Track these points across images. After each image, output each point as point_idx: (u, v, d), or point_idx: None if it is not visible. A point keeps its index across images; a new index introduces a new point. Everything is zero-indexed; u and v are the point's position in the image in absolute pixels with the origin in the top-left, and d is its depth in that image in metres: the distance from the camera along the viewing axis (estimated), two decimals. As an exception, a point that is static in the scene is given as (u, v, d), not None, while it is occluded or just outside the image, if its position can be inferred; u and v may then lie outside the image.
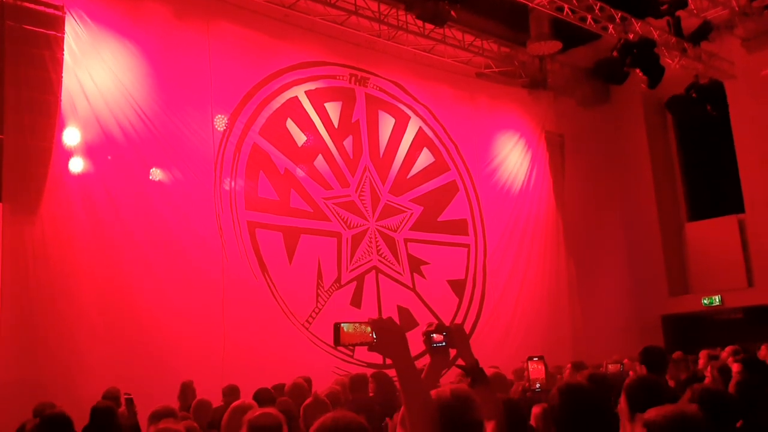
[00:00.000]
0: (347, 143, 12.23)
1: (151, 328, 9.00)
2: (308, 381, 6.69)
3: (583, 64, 14.49)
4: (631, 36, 12.02)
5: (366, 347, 2.30)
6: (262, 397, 5.74)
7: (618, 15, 12.09)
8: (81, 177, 8.99)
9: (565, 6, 11.66)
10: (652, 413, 1.80)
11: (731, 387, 3.96)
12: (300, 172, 11.44)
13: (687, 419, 1.70)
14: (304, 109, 11.76)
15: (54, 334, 8.09)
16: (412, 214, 12.83)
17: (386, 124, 12.94)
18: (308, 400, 4.76)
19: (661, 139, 16.48)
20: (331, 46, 12.26)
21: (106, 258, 8.91)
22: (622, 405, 3.31)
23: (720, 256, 15.08)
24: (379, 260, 12.14)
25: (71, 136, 8.96)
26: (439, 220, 13.28)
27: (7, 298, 8.00)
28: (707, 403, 2.76)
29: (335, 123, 12.14)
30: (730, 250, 14.91)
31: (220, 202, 10.32)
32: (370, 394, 5.93)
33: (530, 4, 11.63)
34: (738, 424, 2.92)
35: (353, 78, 12.58)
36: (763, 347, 8.66)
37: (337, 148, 12.04)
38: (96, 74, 9.34)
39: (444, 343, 2.60)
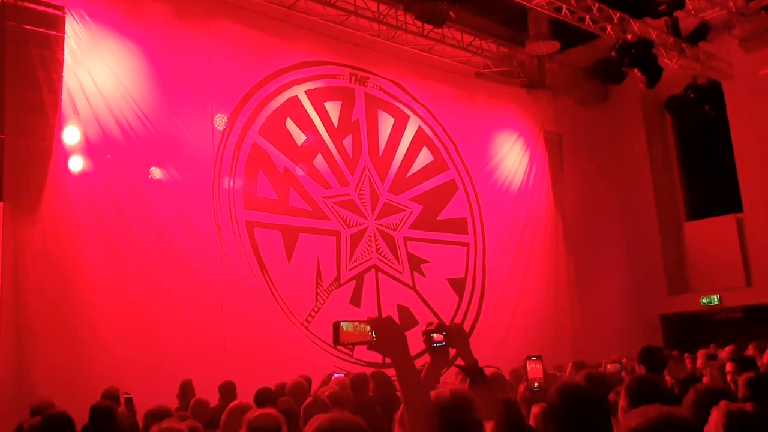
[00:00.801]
0: (347, 142, 12.25)
1: (151, 327, 9.02)
2: (308, 381, 6.71)
3: (581, 63, 14.52)
4: (629, 36, 12.04)
5: (365, 346, 2.31)
6: (263, 396, 5.74)
7: (616, 15, 12.11)
8: (81, 176, 9.00)
9: (564, 6, 11.67)
10: (636, 418, 1.75)
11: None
12: (299, 171, 11.45)
13: (677, 425, 1.69)
14: (304, 109, 11.77)
15: (54, 333, 8.10)
16: (411, 212, 12.85)
17: (386, 123, 12.96)
18: (308, 400, 4.77)
19: (659, 139, 16.50)
20: (331, 46, 12.27)
21: (106, 257, 8.93)
22: (623, 404, 3.34)
23: (718, 255, 15.11)
24: (378, 259, 12.16)
25: (71, 136, 8.97)
26: (438, 218, 13.30)
27: (8, 297, 8.00)
28: None
29: (335, 122, 12.16)
30: (728, 250, 14.94)
31: (219, 202, 10.34)
32: (370, 394, 5.94)
33: (529, 5, 11.64)
34: None
35: (353, 77, 12.59)
36: (750, 346, 8.68)
37: (336, 148, 12.05)
38: (96, 74, 9.35)
39: (444, 343, 2.61)
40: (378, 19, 12.09)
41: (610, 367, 6.26)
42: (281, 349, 10.10)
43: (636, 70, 12.20)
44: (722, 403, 2.88)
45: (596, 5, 11.87)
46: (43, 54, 8.71)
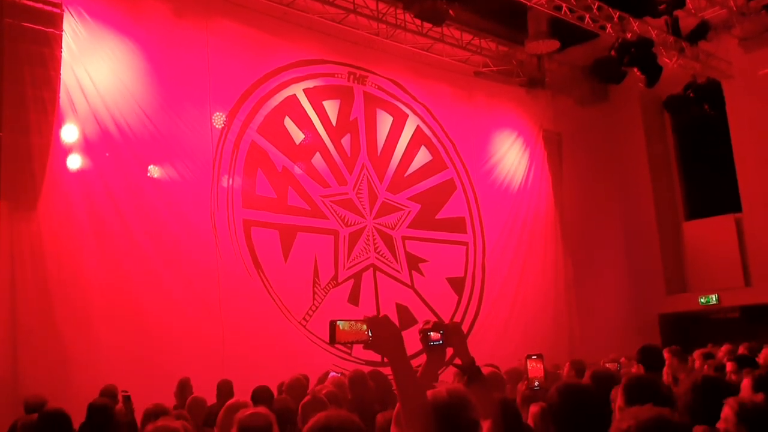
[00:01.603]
0: (345, 141, 12.23)
1: (149, 325, 9.00)
2: (307, 379, 6.70)
3: (581, 63, 14.50)
4: (628, 35, 12.03)
5: (362, 345, 2.30)
6: (261, 395, 5.74)
7: (616, 14, 12.10)
8: (79, 174, 8.98)
9: (563, 5, 11.66)
10: (628, 420, 1.73)
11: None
12: (298, 170, 11.43)
13: (669, 427, 1.68)
14: (302, 107, 11.75)
15: (50, 330, 8.08)
16: (409, 212, 12.83)
17: (384, 122, 12.94)
18: (306, 399, 4.76)
19: (658, 139, 16.50)
20: (330, 45, 12.25)
21: (104, 255, 8.91)
22: (619, 403, 3.33)
23: (717, 255, 15.12)
24: (376, 258, 12.14)
25: (69, 133, 8.95)
26: (436, 218, 13.29)
27: (4, 294, 7.99)
28: None
29: (333, 121, 12.14)
30: (727, 250, 14.95)
31: (218, 200, 10.32)
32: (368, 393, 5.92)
33: (528, 3, 11.63)
34: None
35: (351, 76, 12.58)
36: (740, 347, 8.65)
37: (334, 146, 12.04)
38: (94, 71, 9.32)
39: (441, 342, 2.59)
40: (377, 17, 12.07)
41: (608, 366, 6.24)
42: (278, 347, 10.09)
43: (635, 70, 12.19)
44: (731, 399, 2.87)
45: (596, 4, 11.86)
46: (41, 51, 8.69)
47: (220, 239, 10.16)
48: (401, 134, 13.13)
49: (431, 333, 2.58)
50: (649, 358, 4.80)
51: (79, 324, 8.39)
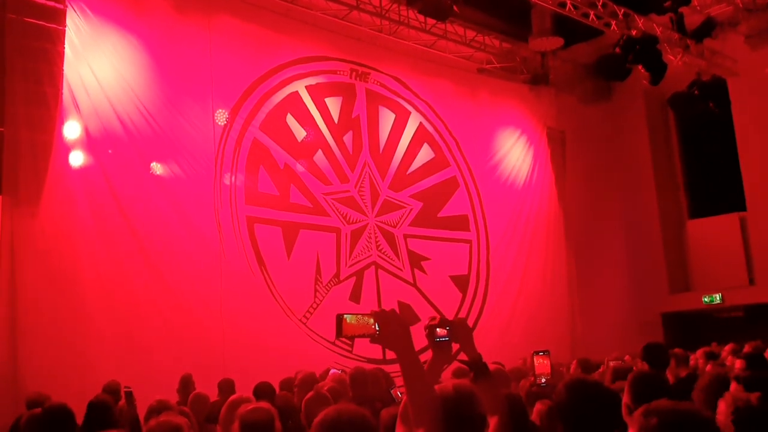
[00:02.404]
0: (347, 139, 12.20)
1: (151, 322, 8.99)
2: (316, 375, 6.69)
3: (585, 60, 14.44)
4: (633, 32, 11.97)
5: (366, 340, 2.26)
6: (263, 391, 5.72)
7: (621, 11, 12.05)
8: (81, 170, 8.97)
9: (568, 2, 11.61)
10: (657, 416, 1.69)
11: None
12: (300, 168, 11.41)
13: (698, 421, 1.64)
14: (305, 105, 11.73)
15: (52, 327, 8.06)
16: (411, 209, 12.80)
17: (386, 119, 12.91)
18: (309, 395, 4.74)
19: (662, 136, 16.46)
20: (333, 41, 12.22)
21: (106, 251, 8.90)
22: (626, 400, 3.29)
23: (721, 253, 15.08)
24: (378, 256, 12.12)
25: (72, 130, 8.94)
26: (439, 215, 13.26)
27: (5, 290, 7.97)
28: None
29: (335, 118, 12.11)
30: (731, 248, 14.91)
31: (220, 197, 10.30)
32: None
33: (532, 0, 11.59)
34: None
35: (354, 73, 12.55)
36: (746, 346, 8.61)
37: (336, 144, 12.01)
38: (97, 68, 9.31)
39: (447, 338, 2.56)
40: (380, 14, 12.04)
41: (612, 364, 6.21)
42: (280, 344, 10.07)
43: (640, 67, 12.12)
44: (728, 395, 2.85)
45: (600, 1, 11.82)
46: (43, 47, 8.69)
47: (225, 236, 10.15)
48: (403, 132, 13.10)
49: (438, 329, 2.55)
50: (654, 356, 4.76)
51: (81, 320, 8.38)
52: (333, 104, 12.14)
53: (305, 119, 11.68)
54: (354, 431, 2.06)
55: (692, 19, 12.94)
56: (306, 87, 11.77)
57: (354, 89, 12.54)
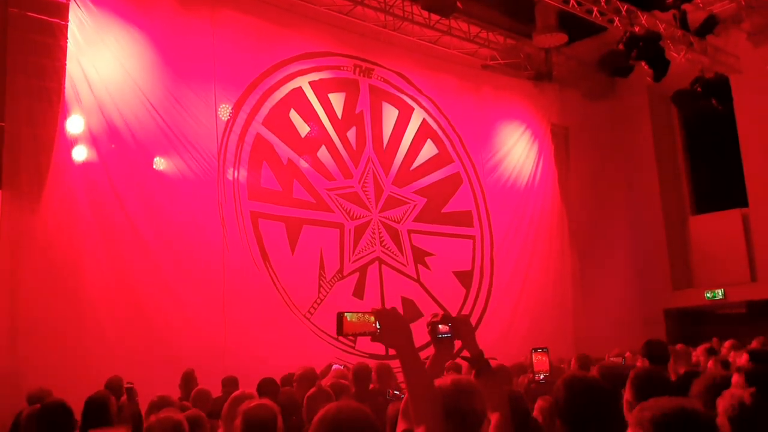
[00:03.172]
0: (351, 134, 12.20)
1: (153, 317, 9.00)
2: (315, 372, 6.69)
3: (588, 56, 14.42)
4: (636, 29, 11.95)
5: (369, 337, 2.27)
6: (266, 387, 5.73)
7: (624, 7, 12.03)
8: (83, 165, 8.96)
9: (571, -2, 11.60)
10: (651, 410, 1.70)
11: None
12: (303, 163, 11.41)
13: (694, 416, 1.65)
14: (308, 100, 11.72)
15: (54, 323, 8.05)
16: (415, 205, 12.80)
17: (390, 115, 12.90)
18: (311, 390, 4.75)
19: (665, 133, 16.44)
20: (336, 37, 12.21)
21: (108, 246, 8.90)
22: (628, 397, 3.29)
23: (723, 250, 15.07)
24: (382, 251, 12.12)
25: (74, 125, 8.93)
26: (443, 211, 13.25)
27: (6, 286, 7.98)
28: None
29: (339, 114, 12.11)
30: (733, 244, 14.91)
31: (223, 192, 10.30)
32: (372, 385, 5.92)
33: (536, -4, 11.59)
34: None
35: (357, 69, 12.53)
36: (754, 342, 8.60)
37: (340, 139, 12.01)
38: (100, 62, 9.31)
39: (449, 334, 2.57)
40: (384, 9, 12.03)
41: (612, 361, 6.21)
42: (283, 340, 10.08)
43: (643, 63, 12.11)
44: (725, 393, 2.86)
45: (604, -3, 11.80)
46: (46, 42, 8.68)
47: (228, 231, 10.15)
48: (407, 127, 13.09)
49: (440, 325, 2.56)
50: (655, 352, 4.76)
51: (82, 316, 8.37)
52: (336, 100, 12.13)
53: (309, 115, 11.68)
54: (354, 428, 2.06)
55: (695, 15, 12.92)
56: (309, 82, 11.77)
57: (357, 85, 12.53)
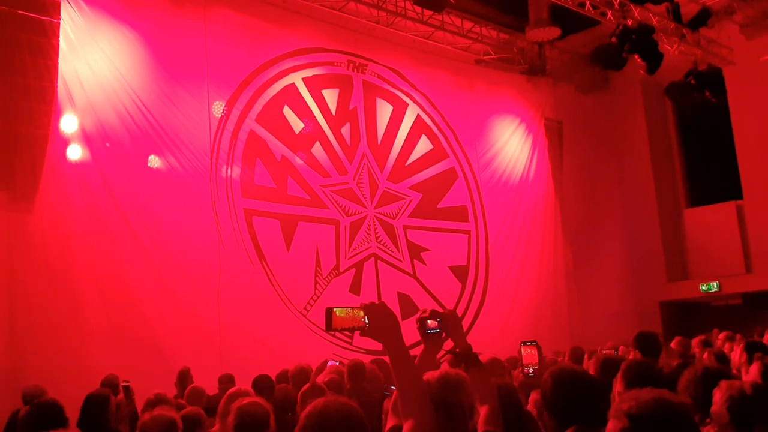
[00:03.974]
0: (345, 131, 12.19)
1: (149, 316, 9.00)
2: (310, 368, 6.71)
3: (582, 50, 14.44)
4: (629, 22, 11.95)
5: (359, 332, 2.28)
6: (262, 384, 5.74)
7: (617, 1, 12.04)
8: (78, 164, 8.95)
9: (564, -9, 11.60)
10: (629, 401, 1.71)
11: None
12: (298, 160, 11.40)
13: (670, 408, 1.66)
14: (302, 96, 11.71)
15: (49, 321, 8.07)
16: (410, 201, 12.81)
17: (384, 111, 12.90)
18: (306, 387, 4.77)
19: (660, 126, 16.46)
20: (329, 33, 12.19)
21: (103, 245, 8.90)
22: (619, 388, 3.32)
23: (718, 242, 15.11)
24: (378, 247, 12.13)
25: (68, 124, 8.91)
26: (438, 207, 13.27)
27: (4, 285, 7.98)
28: None
29: (333, 110, 12.10)
30: (728, 237, 14.94)
31: (217, 190, 10.30)
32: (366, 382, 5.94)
33: (529, -10, 11.58)
34: None
35: (351, 65, 12.53)
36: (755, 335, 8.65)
37: (334, 136, 12.00)
38: (92, 61, 9.29)
39: (438, 329, 2.59)
40: (377, 5, 12.01)
41: (605, 353, 6.23)
42: (280, 337, 10.10)
43: (636, 57, 12.11)
44: (723, 384, 2.88)
45: (596, -10, 11.80)
46: (38, 40, 8.63)
47: (223, 229, 10.15)
48: (401, 123, 13.09)
49: (428, 321, 2.58)
50: (646, 344, 4.78)
51: (78, 314, 8.38)
52: (330, 96, 12.12)
53: (302, 111, 11.67)
54: (341, 423, 2.07)
55: (688, 8, 12.94)
56: (303, 79, 11.76)
57: (351, 81, 12.52)
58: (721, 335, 8.10)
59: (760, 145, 14.14)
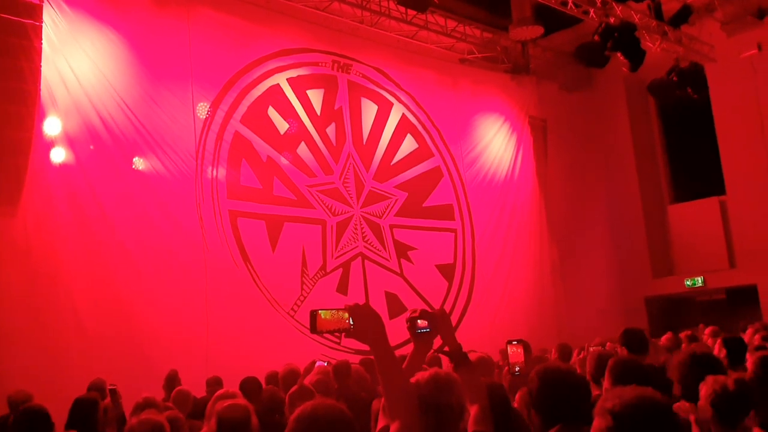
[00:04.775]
0: (330, 131, 12.18)
1: (135, 319, 8.95)
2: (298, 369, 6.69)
3: (565, 48, 14.50)
4: (612, 20, 12.02)
5: (344, 334, 2.28)
6: (249, 386, 5.73)
7: (599, -1, 12.11)
8: (62, 167, 8.88)
9: (546, -10, 11.65)
10: (612, 399, 1.73)
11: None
12: (283, 160, 11.38)
13: (653, 406, 1.68)
14: (286, 97, 11.69)
15: (34, 326, 8.01)
16: (396, 200, 12.82)
17: (369, 111, 12.90)
18: (294, 388, 4.77)
19: (643, 123, 16.57)
20: (314, 33, 12.18)
21: (88, 249, 8.84)
22: (606, 385, 3.34)
23: (702, 237, 15.25)
24: (365, 247, 12.13)
25: (51, 126, 8.84)
26: (424, 205, 13.29)
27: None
28: None
29: (317, 110, 12.09)
30: (712, 232, 15.08)
31: (202, 191, 10.26)
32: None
33: (512, -11, 11.61)
34: None
35: (335, 65, 12.52)
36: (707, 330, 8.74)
37: (320, 136, 11.99)
38: (75, 63, 9.22)
39: (428, 329, 2.59)
40: (361, 5, 12.02)
41: (593, 350, 6.26)
42: (267, 338, 10.06)
43: (619, 54, 12.18)
44: (708, 379, 2.92)
45: (579, -11, 11.86)
46: (20, 43, 8.59)
47: (207, 231, 10.11)
48: (386, 122, 13.10)
49: (418, 320, 2.58)
50: (632, 340, 4.81)
51: (63, 318, 8.32)
52: (315, 96, 12.11)
53: (287, 112, 11.65)
54: (330, 426, 2.08)
55: (669, 6, 13.03)
56: (287, 79, 11.74)
57: (336, 81, 12.51)
58: (707, 330, 8.17)
59: (742, 141, 14.27)
